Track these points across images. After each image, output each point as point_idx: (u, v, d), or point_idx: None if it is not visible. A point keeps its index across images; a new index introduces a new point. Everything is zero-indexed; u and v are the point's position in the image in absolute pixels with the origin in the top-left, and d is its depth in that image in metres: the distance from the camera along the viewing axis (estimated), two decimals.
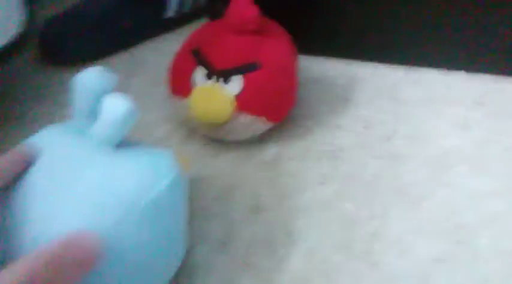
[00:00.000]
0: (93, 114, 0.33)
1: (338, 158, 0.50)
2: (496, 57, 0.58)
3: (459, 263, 0.41)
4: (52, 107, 0.57)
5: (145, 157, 0.33)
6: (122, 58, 0.63)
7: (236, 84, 0.48)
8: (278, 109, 0.51)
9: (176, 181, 0.34)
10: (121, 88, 0.59)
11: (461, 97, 0.56)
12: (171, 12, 0.65)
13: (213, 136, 0.51)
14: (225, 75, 0.48)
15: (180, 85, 0.50)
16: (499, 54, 0.58)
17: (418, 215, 0.45)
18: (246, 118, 0.49)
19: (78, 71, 0.35)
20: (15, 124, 0.55)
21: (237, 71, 0.48)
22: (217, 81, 0.48)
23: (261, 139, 0.52)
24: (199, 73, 0.49)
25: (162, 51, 0.63)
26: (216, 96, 0.48)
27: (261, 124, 0.50)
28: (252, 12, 0.48)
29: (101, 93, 0.32)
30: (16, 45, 0.48)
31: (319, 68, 0.61)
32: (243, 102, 0.48)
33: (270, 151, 0.52)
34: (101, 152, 0.32)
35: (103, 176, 0.31)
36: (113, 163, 0.32)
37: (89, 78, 0.33)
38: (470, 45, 0.58)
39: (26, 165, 0.31)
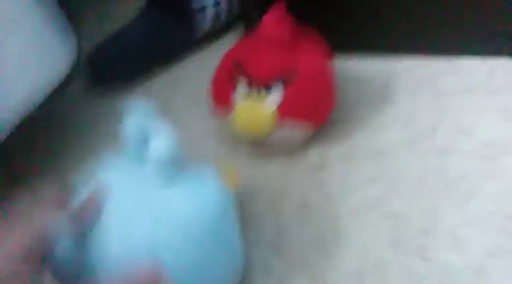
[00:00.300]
0: (142, 147, 0.36)
1: (382, 157, 0.51)
2: None
3: None
4: (104, 132, 0.60)
5: (194, 185, 0.36)
6: (165, 77, 0.66)
7: (276, 95, 0.49)
8: (318, 115, 0.52)
9: (225, 201, 0.37)
10: (166, 106, 0.62)
11: (505, 84, 0.54)
12: (207, 26, 0.67)
13: (259, 145, 0.53)
14: (265, 87, 0.49)
15: (222, 102, 0.52)
16: None
17: (468, 209, 0.45)
18: (288, 127, 0.50)
19: (124, 97, 0.37)
20: (69, 152, 0.59)
21: (276, 81, 0.49)
22: (258, 93, 0.50)
23: (304, 145, 0.53)
24: (240, 87, 0.51)
25: (201, 67, 0.65)
26: (256, 113, 0.49)
27: (302, 131, 0.51)
28: (286, 24, 0.49)
29: (146, 131, 0.35)
30: (68, 79, 0.51)
31: (355, 67, 0.60)
32: (284, 112, 0.49)
33: (314, 156, 0.53)
34: (157, 185, 0.35)
35: (161, 209, 0.34)
36: (167, 196, 0.35)
37: (134, 121, 0.36)
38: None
39: (100, 203, 0.35)
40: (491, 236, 0.43)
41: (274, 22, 0.49)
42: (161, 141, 0.34)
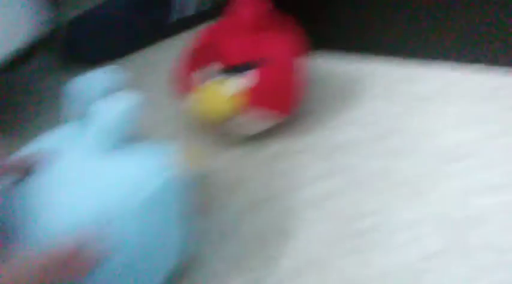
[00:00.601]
0: (86, 116, 0.35)
1: (339, 154, 0.51)
2: (510, 50, 0.56)
3: (450, 260, 0.41)
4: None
5: (138, 159, 0.35)
6: (135, 59, 0.66)
7: (240, 81, 0.49)
8: (284, 104, 0.51)
9: (169, 182, 0.36)
10: (133, 87, 0.62)
11: (475, 91, 0.55)
12: (176, 14, 0.67)
13: (222, 131, 0.52)
14: (231, 72, 0.49)
15: (185, 84, 0.52)
16: None
17: (415, 212, 0.45)
18: (253, 114, 0.50)
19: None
20: (38, 121, 0.58)
21: (243, 67, 0.49)
22: (224, 77, 0.49)
23: (266, 135, 0.53)
24: (205, 71, 0.50)
25: (172, 52, 0.65)
26: (215, 95, 0.49)
27: (267, 119, 0.51)
28: (258, 9, 0.48)
29: (95, 97, 0.34)
30: (34, 47, 0.51)
31: (328, 65, 0.61)
32: (250, 98, 0.49)
33: (274, 146, 0.52)
34: (99, 156, 0.34)
35: (100, 180, 0.33)
36: (108, 167, 0.34)
37: (83, 83, 0.35)
38: (484, 39, 0.57)
39: (34, 167, 0.34)
40: (433, 240, 0.42)
41: (246, 6, 0.49)
42: (114, 107, 0.33)
